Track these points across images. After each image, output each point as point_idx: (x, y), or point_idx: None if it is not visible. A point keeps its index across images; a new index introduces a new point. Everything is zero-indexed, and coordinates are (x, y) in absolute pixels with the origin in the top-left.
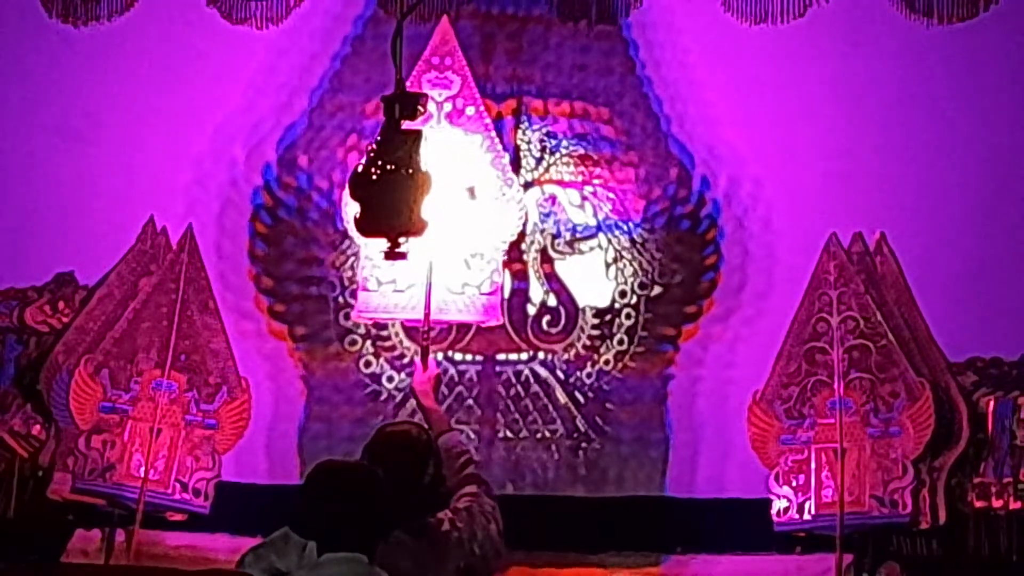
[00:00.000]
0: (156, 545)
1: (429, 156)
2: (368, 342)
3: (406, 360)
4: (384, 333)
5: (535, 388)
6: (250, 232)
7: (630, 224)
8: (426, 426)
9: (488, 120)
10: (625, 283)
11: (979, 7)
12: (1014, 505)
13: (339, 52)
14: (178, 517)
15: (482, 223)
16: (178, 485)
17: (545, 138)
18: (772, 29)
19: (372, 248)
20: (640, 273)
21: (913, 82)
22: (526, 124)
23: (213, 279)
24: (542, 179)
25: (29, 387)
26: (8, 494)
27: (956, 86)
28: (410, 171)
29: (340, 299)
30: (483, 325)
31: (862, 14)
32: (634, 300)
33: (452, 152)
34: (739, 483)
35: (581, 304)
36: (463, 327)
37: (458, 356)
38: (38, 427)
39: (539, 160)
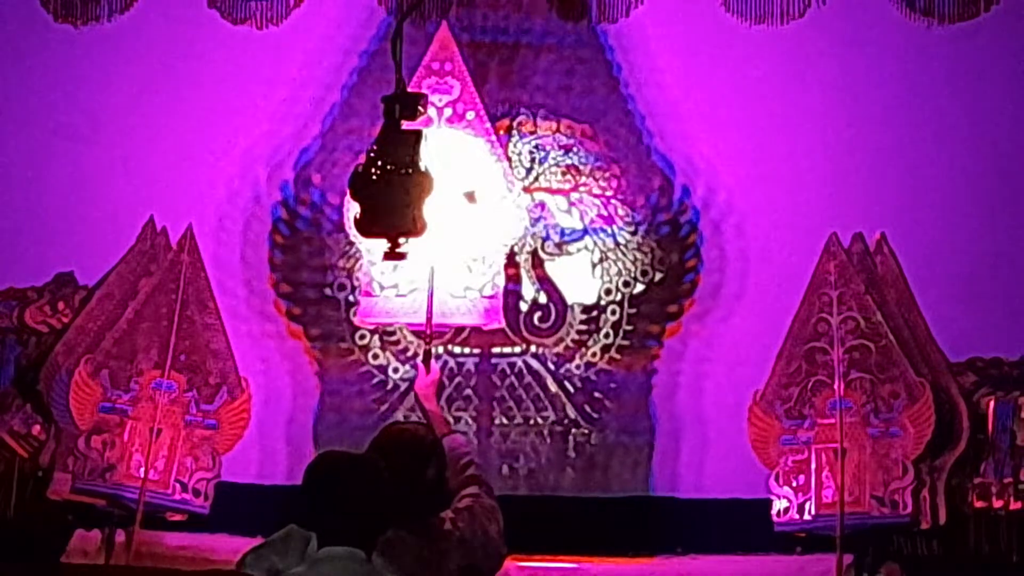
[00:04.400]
0: (156, 545)
1: (430, 160)
2: (376, 337)
3: (410, 353)
4: (391, 329)
5: (528, 379)
6: (270, 243)
7: (614, 228)
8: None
9: (488, 124)
10: (610, 281)
11: (979, 7)
12: (1014, 505)
13: (348, 83)
14: (178, 517)
15: (483, 227)
16: (178, 485)
17: (535, 150)
18: (771, 30)
19: (375, 254)
20: (624, 272)
21: (913, 82)
22: (516, 137)
23: (240, 286)
24: (532, 187)
25: (29, 387)
26: (8, 494)
27: (956, 86)
28: (410, 171)
29: (350, 299)
30: (485, 328)
31: (862, 14)
32: (618, 297)
33: (453, 156)
34: (735, 482)
35: (569, 301)
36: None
37: (457, 350)
38: (38, 427)
39: (529, 170)
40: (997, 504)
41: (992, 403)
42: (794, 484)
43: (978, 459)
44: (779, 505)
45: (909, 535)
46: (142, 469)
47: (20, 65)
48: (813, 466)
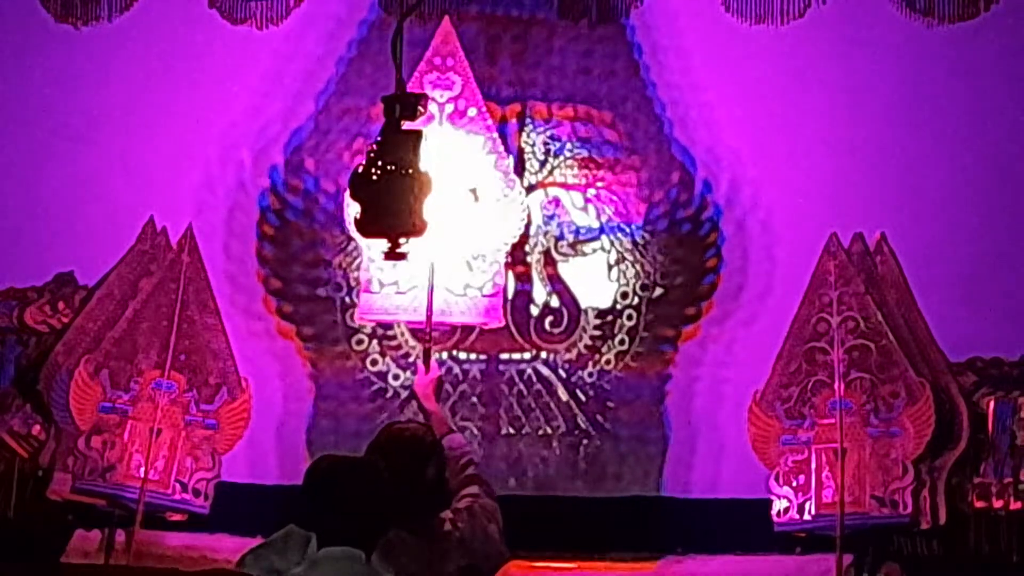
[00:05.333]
0: (156, 545)
1: (431, 157)
2: (374, 341)
3: (411, 359)
4: (390, 332)
5: (537, 386)
6: (258, 234)
7: (632, 227)
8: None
9: (490, 121)
10: (627, 285)
11: (979, 7)
12: (1014, 505)
13: (344, 56)
14: (178, 517)
15: (484, 225)
16: (178, 485)
17: (549, 141)
18: (772, 29)
19: (374, 250)
20: (642, 275)
21: (913, 82)
22: (530, 127)
23: (223, 281)
24: (546, 182)
25: (29, 387)
26: (8, 494)
27: (956, 86)
28: (410, 171)
29: (346, 299)
30: (485, 327)
31: (862, 14)
32: (636, 301)
33: (454, 153)
34: (736, 482)
35: (583, 305)
36: (467, 326)
37: (462, 355)
38: (38, 427)
39: (543, 163)
40: (997, 504)
41: (992, 403)
42: (794, 484)
43: (978, 459)
44: (779, 505)
45: (909, 535)
46: (142, 469)
47: (20, 65)
48: (813, 466)
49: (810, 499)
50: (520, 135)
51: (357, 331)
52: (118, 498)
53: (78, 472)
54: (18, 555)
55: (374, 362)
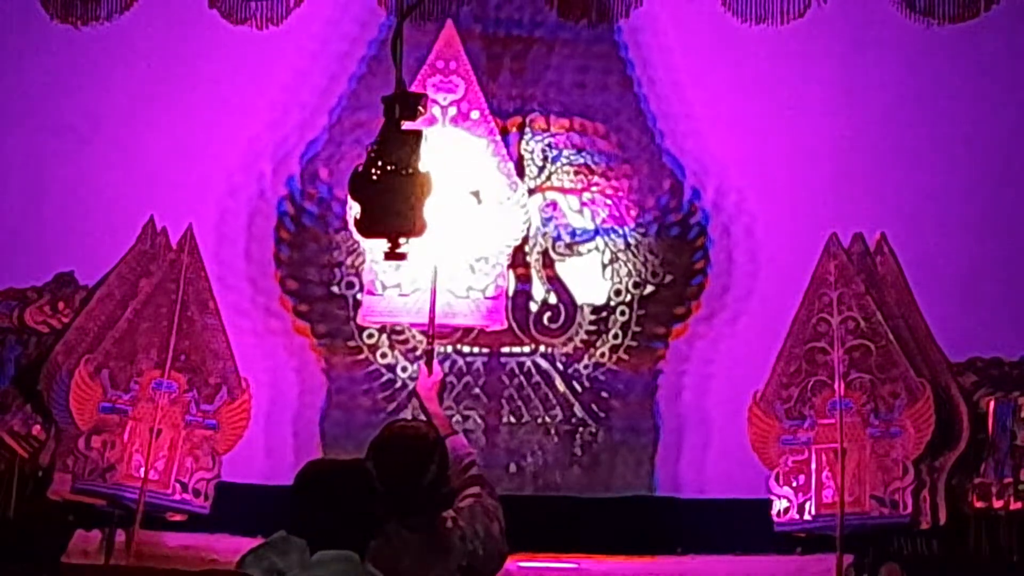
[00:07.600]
0: (156, 545)
1: (434, 160)
2: (383, 335)
3: (418, 352)
4: (398, 327)
5: (536, 378)
6: (275, 239)
7: (625, 229)
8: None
9: (493, 124)
10: (620, 283)
11: (980, 7)
12: (1014, 505)
13: (356, 73)
14: (178, 517)
15: (487, 227)
16: (178, 485)
17: (547, 148)
18: (772, 30)
19: (377, 253)
20: (634, 273)
21: (913, 82)
22: (529, 135)
23: (244, 282)
24: (544, 186)
25: (29, 387)
26: (8, 494)
27: (956, 86)
28: (410, 172)
29: (357, 297)
30: (487, 329)
31: (862, 14)
32: (628, 298)
33: (457, 156)
34: (735, 481)
35: (579, 302)
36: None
37: (466, 349)
38: (38, 427)
39: (541, 168)
40: (997, 504)
41: (992, 403)
42: (794, 484)
43: (978, 459)
44: (779, 505)
45: (909, 535)
46: (142, 469)
47: (20, 65)
48: (813, 466)
49: (810, 499)
50: (520, 143)
51: (367, 327)
52: (118, 498)
53: (78, 472)
54: (18, 555)
55: (383, 355)
